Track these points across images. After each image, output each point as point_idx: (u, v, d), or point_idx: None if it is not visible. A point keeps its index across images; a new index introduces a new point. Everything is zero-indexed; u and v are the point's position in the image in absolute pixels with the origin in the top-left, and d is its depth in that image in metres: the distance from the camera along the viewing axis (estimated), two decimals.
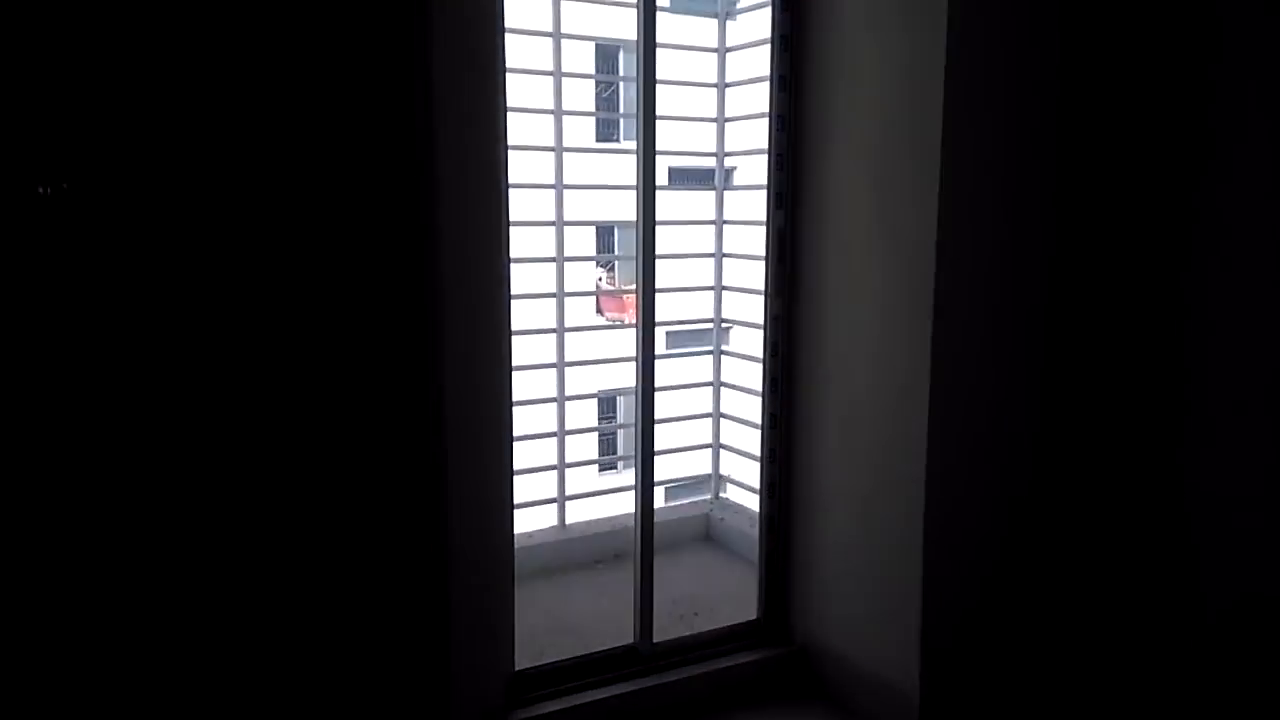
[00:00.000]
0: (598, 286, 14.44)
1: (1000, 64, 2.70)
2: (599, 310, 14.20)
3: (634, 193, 2.95)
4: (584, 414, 9.03)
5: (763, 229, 3.21)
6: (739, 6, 4.30)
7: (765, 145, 3.16)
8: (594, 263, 14.23)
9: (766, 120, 3.15)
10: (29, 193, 1.86)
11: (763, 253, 3.21)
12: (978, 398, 2.79)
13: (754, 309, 3.38)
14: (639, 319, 3.02)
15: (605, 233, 13.39)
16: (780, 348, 3.21)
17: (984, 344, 2.78)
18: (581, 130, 11.30)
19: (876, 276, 2.83)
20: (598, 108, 12.38)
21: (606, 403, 12.30)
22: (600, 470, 9.33)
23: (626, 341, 3.26)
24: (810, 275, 3.09)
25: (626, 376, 3.23)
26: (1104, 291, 2.85)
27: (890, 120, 2.76)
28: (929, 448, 2.67)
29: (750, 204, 3.86)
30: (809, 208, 3.08)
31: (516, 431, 2.79)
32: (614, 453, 10.12)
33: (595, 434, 9.17)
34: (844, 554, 3.07)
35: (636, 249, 3.01)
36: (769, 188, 3.14)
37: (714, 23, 4.25)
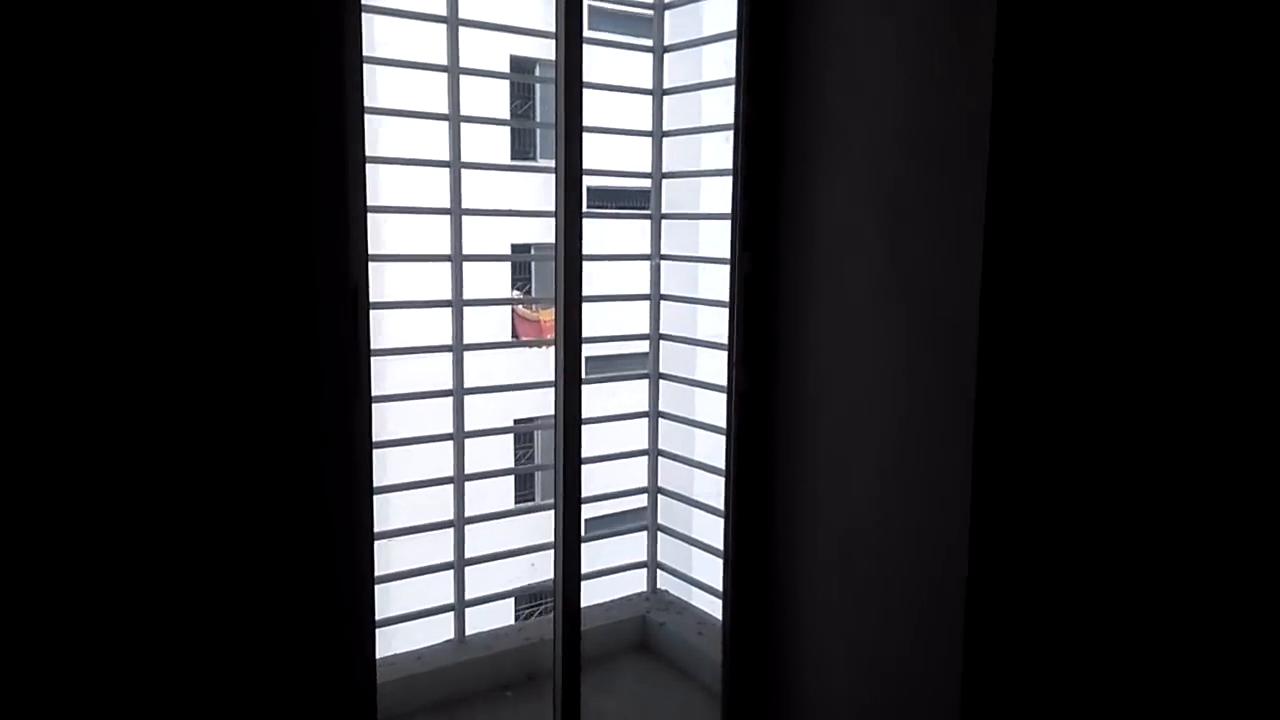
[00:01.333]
0: (513, 311, 13.49)
1: (1074, 38, 1.92)
2: (515, 335, 13.28)
3: (549, 215, 2.10)
4: (493, 451, 8.06)
5: (717, 269, 2.39)
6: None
7: (726, 164, 2.34)
8: (509, 285, 13.30)
9: (730, 134, 2.33)
10: None
11: (724, 299, 2.38)
12: (1038, 535, 1.99)
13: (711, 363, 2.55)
14: (559, 345, 2.19)
15: (522, 264, 12.45)
16: (747, 439, 2.37)
17: (1049, 455, 1.98)
18: (492, 147, 10.33)
19: (889, 349, 2.02)
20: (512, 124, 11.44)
21: (522, 437, 11.26)
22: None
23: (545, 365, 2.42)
24: (792, 341, 2.27)
25: (544, 405, 2.40)
26: (1228, 390, 2.09)
27: (908, 129, 1.96)
28: (970, 602, 1.86)
29: (687, 236, 3.07)
30: (790, 248, 2.26)
31: (394, 480, 1.90)
32: (531, 496, 9.15)
33: (508, 477, 8.19)
34: (847, 709, 2.24)
35: (556, 272, 2.19)
36: (733, 219, 2.31)
37: (647, 19, 3.42)
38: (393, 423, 2.96)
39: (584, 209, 2.22)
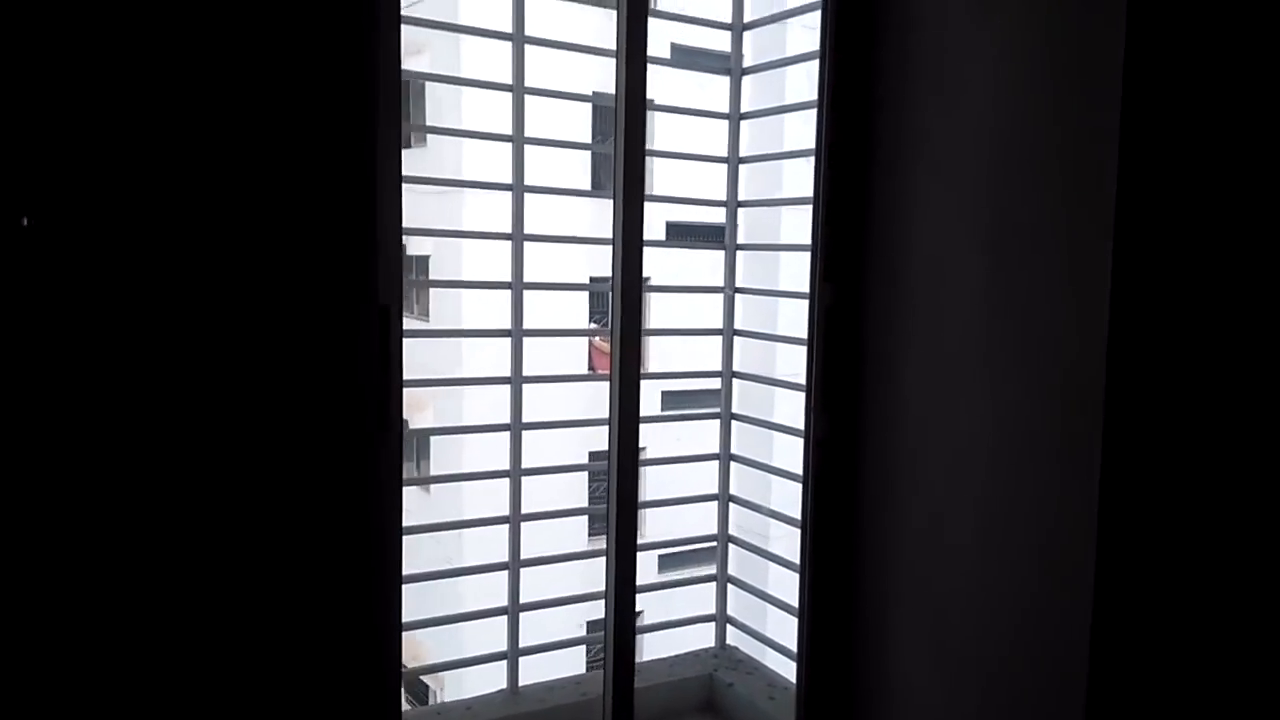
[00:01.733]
0: (590, 344, 13.39)
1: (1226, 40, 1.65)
2: (591, 368, 13.16)
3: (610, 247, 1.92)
4: (565, 487, 7.88)
5: (798, 305, 2.17)
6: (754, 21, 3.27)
7: (806, 193, 2.12)
8: (588, 317, 13.21)
9: (813, 157, 2.11)
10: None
11: (802, 336, 2.16)
12: (1172, 625, 1.69)
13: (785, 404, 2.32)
14: (614, 385, 1.99)
15: (599, 296, 12.33)
16: (827, 490, 2.13)
17: (1189, 538, 1.69)
18: (572, 175, 10.24)
19: (995, 402, 1.76)
20: (594, 156, 11.38)
21: (597, 473, 11.03)
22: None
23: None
24: (879, 385, 2.02)
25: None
26: None
27: (1018, 149, 1.72)
28: (1091, 702, 1.57)
29: (767, 269, 2.85)
30: (879, 281, 2.02)
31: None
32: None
33: (582, 516, 7.99)
34: None
35: (612, 302, 2.03)
36: (814, 247, 2.08)
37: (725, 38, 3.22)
38: (469, 456, 2.80)
39: (656, 239, 2.02)
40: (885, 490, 2.02)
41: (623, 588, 2.29)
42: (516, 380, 2.84)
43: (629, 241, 1.99)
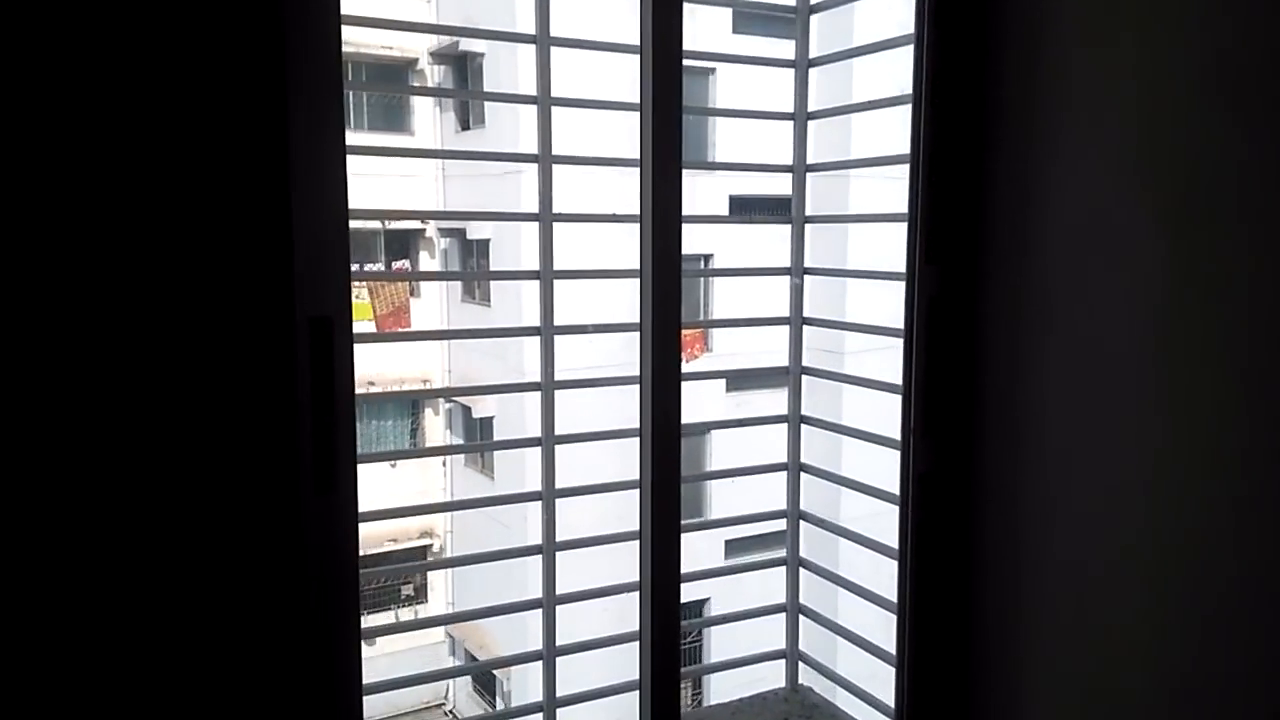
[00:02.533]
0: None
1: None
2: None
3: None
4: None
5: (888, 288, 1.66)
6: None
7: (903, 150, 1.60)
8: None
9: (910, 113, 1.59)
10: None
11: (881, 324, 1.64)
12: None
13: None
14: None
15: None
16: (932, 533, 1.61)
17: None
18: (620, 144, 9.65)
19: (1179, 418, 1.23)
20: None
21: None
22: None
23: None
24: (1006, 399, 1.50)
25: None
26: None
27: (1206, 71, 1.18)
28: None
29: (835, 244, 2.32)
30: (1003, 261, 1.49)
31: None
32: None
33: None
34: None
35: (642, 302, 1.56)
36: (913, 218, 1.56)
37: None
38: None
39: (716, 215, 1.52)
40: (1013, 545, 1.50)
41: (665, 648, 1.83)
42: (548, 388, 2.37)
43: (664, 217, 1.50)
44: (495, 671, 13.49)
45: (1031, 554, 1.47)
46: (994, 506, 1.52)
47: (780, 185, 2.75)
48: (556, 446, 2.41)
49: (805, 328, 2.67)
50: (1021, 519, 1.47)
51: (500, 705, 14.40)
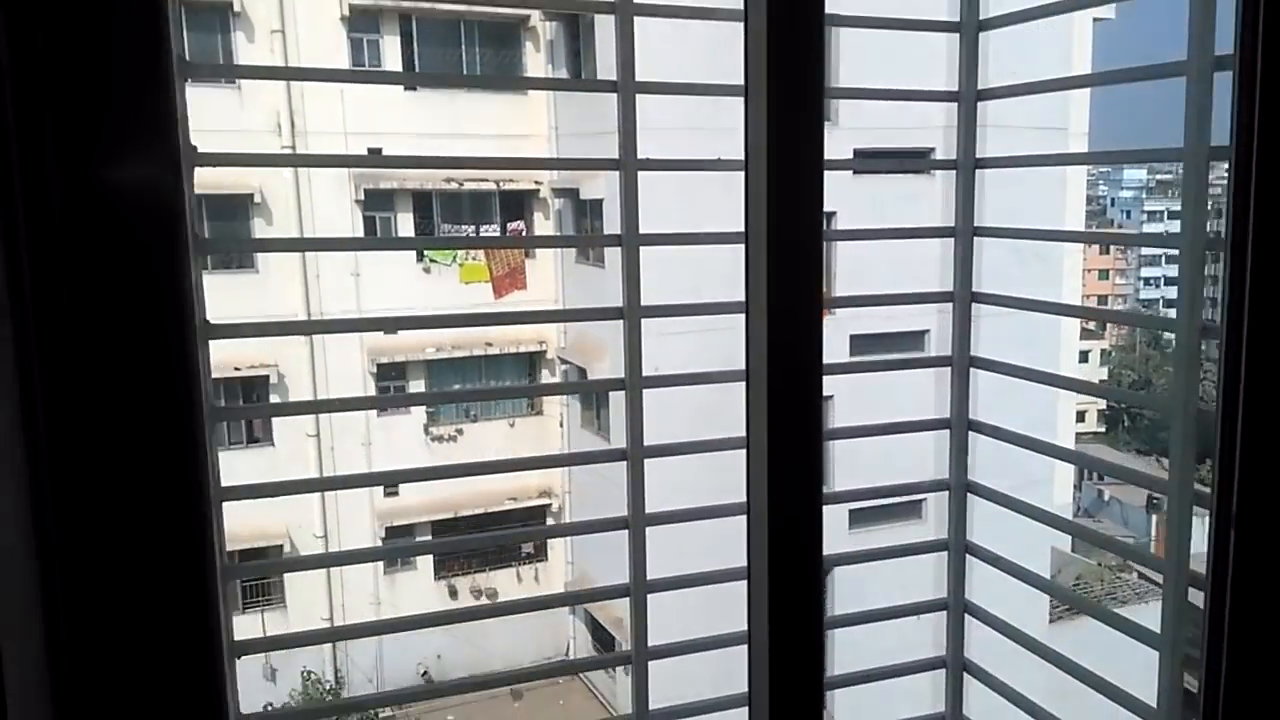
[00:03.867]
0: None
1: None
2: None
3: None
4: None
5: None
6: None
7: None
8: None
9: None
10: None
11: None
12: None
13: None
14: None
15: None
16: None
17: None
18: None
19: None
20: None
21: None
22: None
23: None
24: None
25: None
26: None
27: None
28: None
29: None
30: None
31: None
32: None
33: None
34: None
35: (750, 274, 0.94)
36: (1237, 153, 0.88)
37: None
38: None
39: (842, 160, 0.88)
40: None
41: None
42: (632, 390, 1.77)
43: (794, 160, 0.88)
44: (613, 630, 13.21)
45: None
46: None
47: (916, 137, 2.04)
48: (645, 391, 1.78)
49: (975, 305, 1.98)
50: None
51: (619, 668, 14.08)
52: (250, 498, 1.40)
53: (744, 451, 1.20)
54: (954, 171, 1.96)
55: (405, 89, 12.52)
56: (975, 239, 1.98)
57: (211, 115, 11.35)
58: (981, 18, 1.93)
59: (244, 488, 1.34)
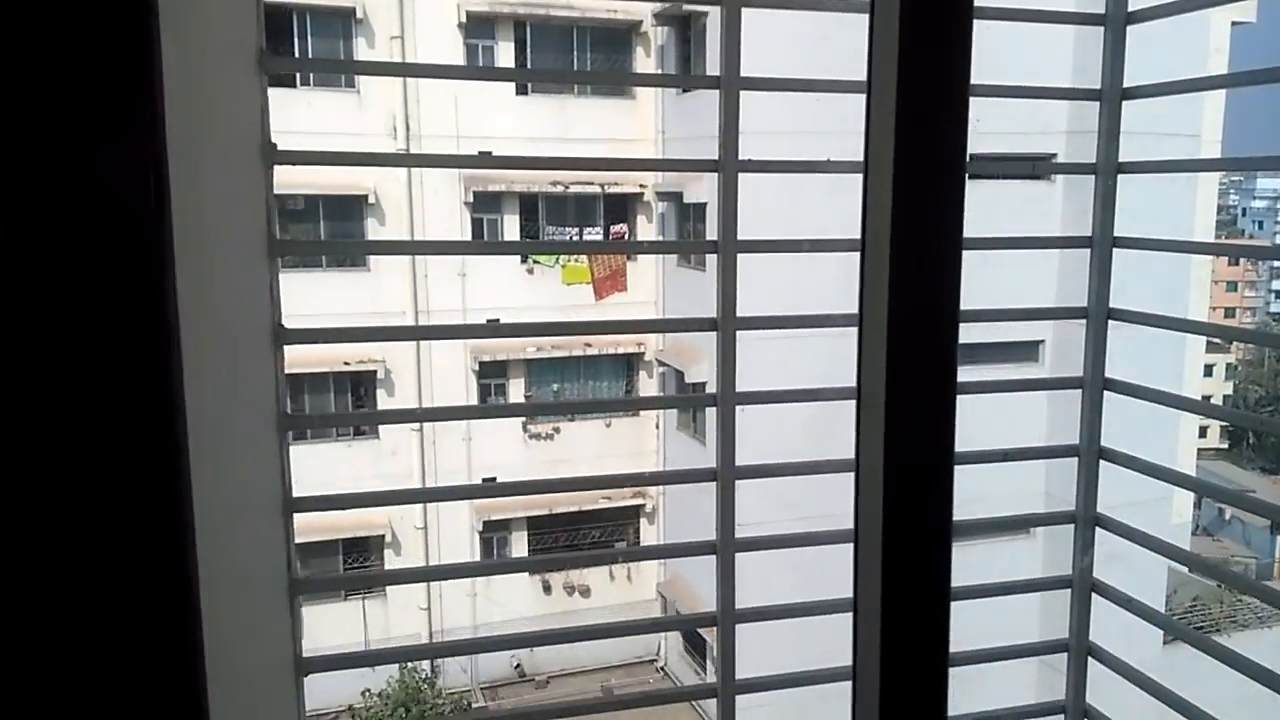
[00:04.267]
0: None
1: None
2: None
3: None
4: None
5: None
6: None
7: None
8: None
9: None
10: None
11: None
12: None
13: None
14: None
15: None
16: None
17: None
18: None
19: None
20: None
21: None
22: None
23: None
24: None
25: None
26: None
27: None
28: None
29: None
30: None
31: None
32: None
33: None
34: None
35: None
36: None
37: None
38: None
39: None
40: None
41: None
42: (728, 399, 1.64)
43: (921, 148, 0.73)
44: (704, 634, 13.05)
45: None
46: None
47: (1026, 144, 1.83)
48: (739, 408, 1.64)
49: (1111, 322, 1.77)
50: None
51: (709, 668, 13.98)
52: (318, 509, 1.33)
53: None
54: (1079, 177, 1.77)
55: (516, 93, 12.63)
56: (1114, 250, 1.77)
57: (332, 118, 11.72)
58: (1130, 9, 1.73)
59: (312, 499, 1.28)
